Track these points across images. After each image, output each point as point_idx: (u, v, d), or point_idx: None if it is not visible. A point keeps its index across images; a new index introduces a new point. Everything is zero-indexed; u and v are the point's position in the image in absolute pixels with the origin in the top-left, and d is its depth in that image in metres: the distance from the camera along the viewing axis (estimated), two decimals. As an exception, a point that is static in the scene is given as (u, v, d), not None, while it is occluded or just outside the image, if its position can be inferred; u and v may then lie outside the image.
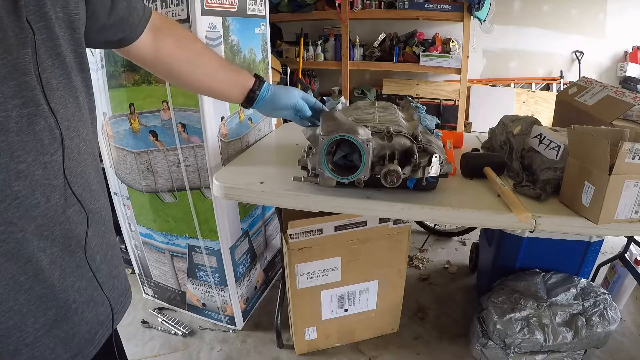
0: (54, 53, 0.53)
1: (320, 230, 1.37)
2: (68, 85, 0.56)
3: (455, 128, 3.45)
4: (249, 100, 0.94)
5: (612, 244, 2.26)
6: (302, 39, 3.60)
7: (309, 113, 1.05)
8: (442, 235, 2.47)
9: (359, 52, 3.63)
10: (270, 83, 1.02)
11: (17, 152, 0.49)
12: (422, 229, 2.45)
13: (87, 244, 0.62)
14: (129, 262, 1.91)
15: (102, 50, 1.41)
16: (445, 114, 3.55)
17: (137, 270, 1.88)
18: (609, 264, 1.81)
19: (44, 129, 0.52)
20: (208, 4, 1.26)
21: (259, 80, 0.95)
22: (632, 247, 1.65)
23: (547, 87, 3.63)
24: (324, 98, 1.32)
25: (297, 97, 1.01)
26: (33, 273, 0.55)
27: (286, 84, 3.34)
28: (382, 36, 3.66)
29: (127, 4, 0.69)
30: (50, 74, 0.52)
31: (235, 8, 1.41)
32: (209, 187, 1.39)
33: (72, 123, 0.57)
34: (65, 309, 0.61)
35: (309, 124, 1.08)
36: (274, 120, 1.91)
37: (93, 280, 0.65)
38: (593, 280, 1.81)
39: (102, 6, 0.63)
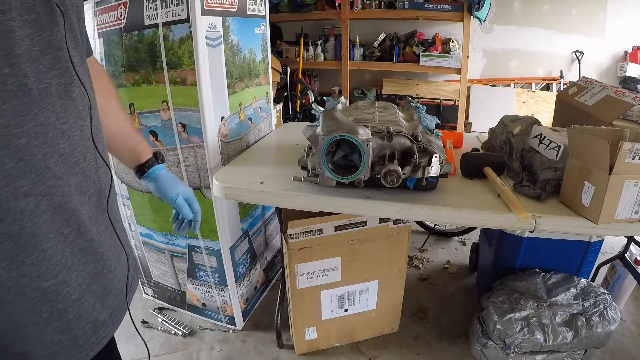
0: (71, 35, 0.58)
1: (320, 230, 1.37)
2: (82, 64, 0.62)
3: (455, 128, 3.45)
4: (139, 171, 0.89)
5: (612, 244, 2.26)
6: (302, 39, 3.60)
7: (189, 216, 0.93)
8: (442, 235, 2.46)
9: (359, 52, 3.63)
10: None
11: (60, 114, 0.55)
12: (422, 229, 2.45)
13: (110, 204, 0.68)
14: (129, 262, 1.91)
15: (102, 50, 1.41)
16: (445, 114, 3.55)
17: (137, 270, 1.87)
18: (609, 264, 1.81)
19: (78, 97, 0.59)
20: (208, 4, 1.26)
21: (157, 159, 0.90)
22: (632, 247, 1.65)
23: (547, 87, 3.63)
24: (324, 98, 1.31)
25: (180, 194, 0.91)
26: (76, 226, 0.59)
27: (286, 84, 3.33)
28: (382, 36, 3.66)
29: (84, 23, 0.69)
30: (73, 51, 0.58)
31: (235, 8, 1.41)
32: (209, 187, 1.39)
33: (92, 94, 0.64)
34: (102, 264, 0.65)
35: (181, 226, 0.96)
36: (274, 120, 1.91)
37: (118, 240, 0.71)
38: (593, 280, 1.81)
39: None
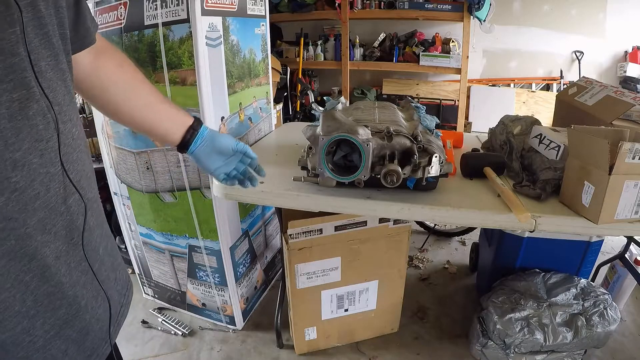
0: (41, 32, 0.49)
1: (320, 230, 1.37)
2: (56, 67, 0.52)
3: (455, 128, 3.45)
4: (186, 141, 0.81)
5: (612, 244, 2.26)
6: (302, 39, 3.60)
7: (254, 155, 0.89)
8: (442, 235, 2.46)
9: (359, 52, 3.63)
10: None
11: (11, 139, 0.46)
12: (422, 229, 2.45)
13: (86, 235, 0.59)
14: (129, 262, 1.91)
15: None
16: (445, 114, 3.55)
17: (137, 270, 1.88)
18: (609, 264, 1.81)
19: (37, 113, 0.48)
20: (208, 4, 1.26)
21: (198, 121, 0.83)
22: (632, 247, 1.65)
23: (547, 87, 3.63)
24: (324, 98, 1.31)
25: (237, 141, 0.87)
26: (39, 271, 0.52)
27: (286, 84, 3.33)
28: (382, 36, 3.66)
29: (85, 9, 0.62)
30: (38, 54, 0.49)
31: (235, 8, 1.41)
32: (209, 187, 1.39)
33: (63, 107, 0.53)
34: (76, 307, 0.58)
35: (246, 183, 0.91)
36: (274, 120, 1.91)
37: (100, 272, 0.63)
38: (593, 280, 1.81)
39: None
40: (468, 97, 3.56)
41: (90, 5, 1.40)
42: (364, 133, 0.98)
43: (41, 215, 0.51)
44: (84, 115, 1.97)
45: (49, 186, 0.51)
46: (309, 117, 3.36)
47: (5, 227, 0.47)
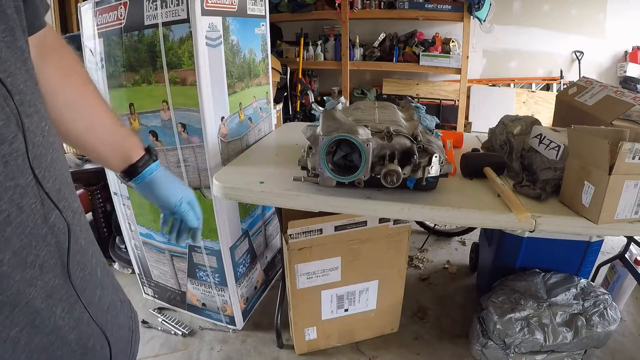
0: None
1: (320, 230, 1.37)
2: (13, 44, 0.40)
3: (455, 128, 3.45)
4: (128, 174, 0.69)
5: (612, 244, 2.26)
6: (302, 39, 3.60)
7: (195, 223, 0.77)
8: (442, 235, 2.46)
9: (359, 52, 3.63)
10: (162, 165, 0.73)
11: None
12: (422, 229, 2.45)
13: (72, 267, 0.47)
14: (129, 262, 1.91)
15: (102, 50, 1.41)
16: (445, 114, 3.55)
17: (137, 270, 1.88)
18: (609, 264, 1.81)
19: None
20: (208, 4, 1.26)
21: (149, 155, 0.70)
22: (632, 247, 1.65)
23: (547, 87, 3.63)
24: (324, 98, 1.31)
25: (184, 199, 0.74)
26: (27, 320, 0.41)
27: (286, 84, 3.33)
28: (382, 36, 3.66)
29: None
30: None
31: (235, 8, 1.41)
32: (209, 187, 1.39)
33: (26, 95, 0.41)
34: (81, 352, 0.48)
35: (172, 237, 0.80)
36: (274, 120, 1.91)
37: (102, 301, 0.52)
38: (593, 280, 1.81)
39: None
40: (468, 97, 3.56)
41: (90, 5, 1.40)
42: (364, 133, 0.98)
43: (17, 245, 0.39)
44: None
45: (21, 204, 0.39)
46: (309, 117, 3.36)
47: None
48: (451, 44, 3.37)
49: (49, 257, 0.43)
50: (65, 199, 0.46)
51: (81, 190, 2.33)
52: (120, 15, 1.32)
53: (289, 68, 3.40)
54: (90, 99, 0.62)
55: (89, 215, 2.41)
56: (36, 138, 0.42)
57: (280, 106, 3.04)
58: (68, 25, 3.38)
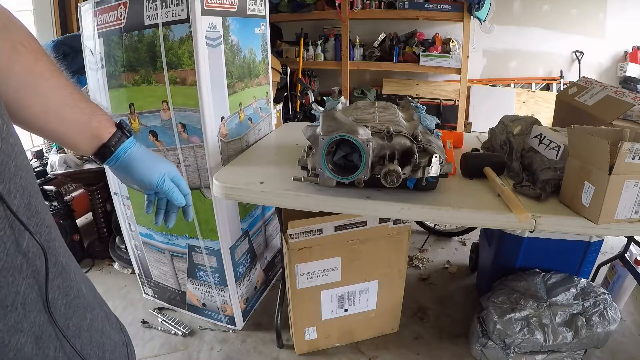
0: None
1: (320, 230, 1.37)
2: None
3: (455, 128, 3.45)
4: (100, 156, 0.62)
5: (612, 244, 2.26)
6: (302, 39, 3.60)
7: (182, 201, 0.72)
8: (442, 235, 2.46)
9: (359, 52, 3.64)
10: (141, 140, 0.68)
11: None
12: (422, 229, 2.45)
13: (53, 299, 0.40)
14: (129, 262, 1.91)
15: (102, 50, 1.41)
16: (445, 114, 3.56)
17: (137, 270, 1.88)
18: (609, 264, 1.81)
19: None
20: (208, 4, 1.26)
21: (122, 131, 0.63)
22: (632, 247, 1.65)
23: (547, 87, 3.63)
24: (324, 98, 1.31)
25: (166, 175, 0.68)
26: None
27: (286, 84, 3.33)
28: (382, 36, 3.66)
29: None
30: None
31: (235, 8, 1.41)
32: (209, 187, 1.39)
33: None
34: None
35: (159, 219, 0.76)
36: (274, 120, 1.91)
37: (94, 324, 0.47)
38: (593, 280, 1.81)
39: None
40: (468, 97, 3.56)
41: (90, 5, 1.40)
42: (364, 133, 0.98)
43: None
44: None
45: None
46: (309, 117, 3.36)
47: None
48: (451, 44, 3.37)
49: (29, 292, 0.36)
50: (37, 213, 0.39)
51: (81, 190, 2.34)
52: (120, 15, 1.32)
53: (289, 68, 3.40)
54: (44, 76, 0.53)
55: (89, 215, 2.42)
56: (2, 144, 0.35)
57: (280, 106, 3.04)
58: (68, 25, 3.38)
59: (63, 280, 0.43)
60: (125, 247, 1.87)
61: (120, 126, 0.62)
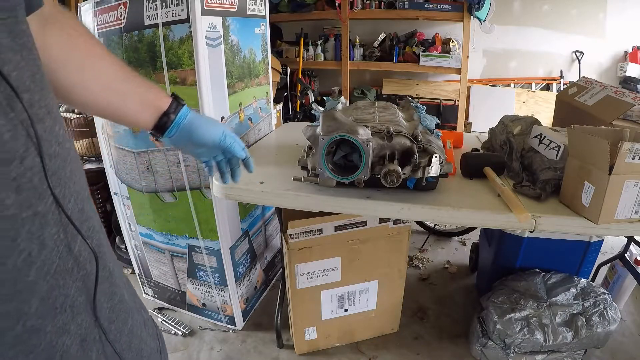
0: None
1: (320, 230, 1.37)
2: (16, 28, 0.32)
3: (455, 128, 3.45)
4: (160, 127, 0.65)
5: (612, 244, 2.26)
6: (302, 39, 3.60)
7: (243, 154, 0.76)
8: (442, 235, 2.46)
9: (359, 52, 3.63)
10: (197, 108, 0.73)
11: None
12: (422, 229, 2.45)
13: (100, 304, 0.41)
14: (129, 262, 1.91)
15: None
16: (445, 114, 3.55)
17: (137, 270, 1.88)
18: (609, 264, 1.81)
19: None
20: (208, 4, 1.26)
21: (177, 101, 0.66)
22: (632, 247, 1.65)
23: (547, 87, 3.63)
24: (324, 98, 1.31)
25: (225, 133, 0.72)
26: None
27: (286, 84, 3.33)
28: (382, 36, 3.66)
29: None
30: None
31: (235, 8, 1.41)
32: (209, 187, 1.39)
33: (34, 94, 0.33)
34: None
35: (226, 178, 0.80)
36: (274, 120, 1.91)
37: (135, 330, 0.48)
38: (593, 280, 1.81)
39: None
40: (468, 97, 3.56)
41: (90, 5, 1.40)
42: (364, 133, 0.98)
43: (44, 288, 0.32)
44: (84, 115, 1.97)
45: (42, 237, 0.32)
46: (309, 117, 3.36)
47: None
48: (451, 44, 3.37)
49: (77, 295, 0.37)
50: (89, 218, 0.40)
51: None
52: (120, 15, 1.32)
53: (289, 68, 3.40)
54: (100, 57, 0.56)
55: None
56: (51, 148, 0.34)
57: (280, 106, 3.04)
58: (68, 25, 3.38)
59: (109, 285, 0.44)
60: (125, 247, 1.87)
61: (175, 97, 0.66)
